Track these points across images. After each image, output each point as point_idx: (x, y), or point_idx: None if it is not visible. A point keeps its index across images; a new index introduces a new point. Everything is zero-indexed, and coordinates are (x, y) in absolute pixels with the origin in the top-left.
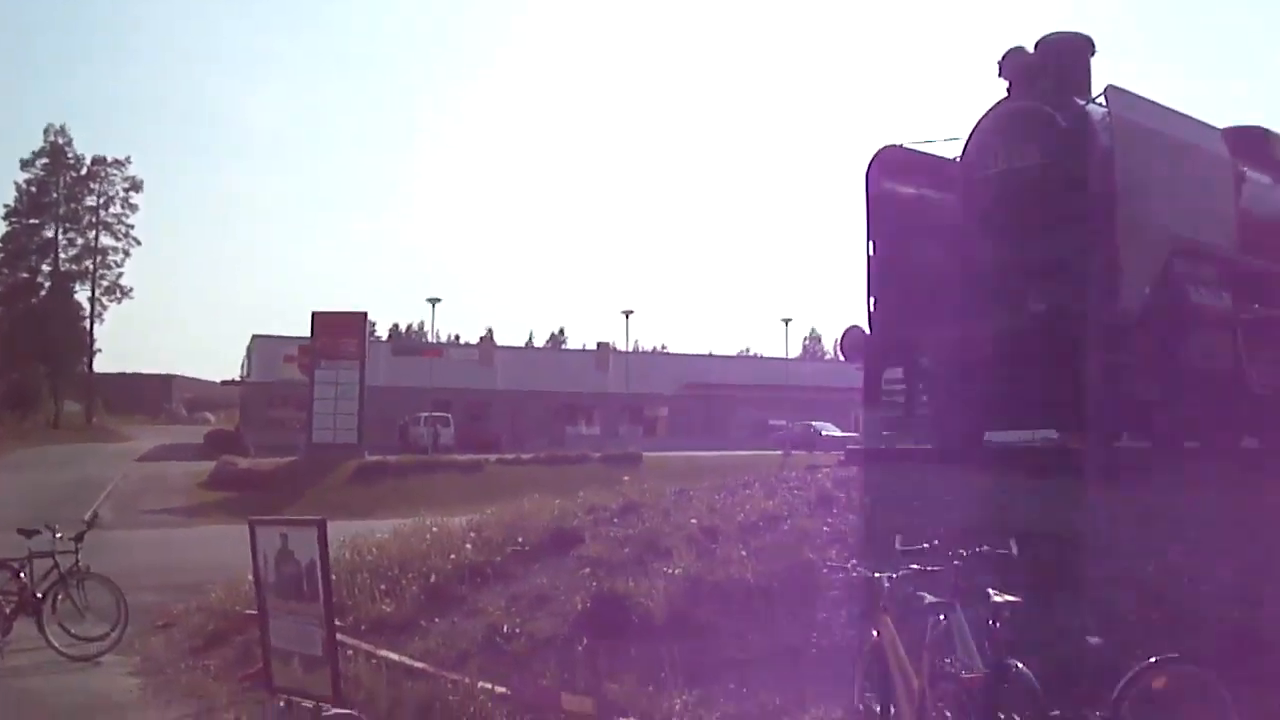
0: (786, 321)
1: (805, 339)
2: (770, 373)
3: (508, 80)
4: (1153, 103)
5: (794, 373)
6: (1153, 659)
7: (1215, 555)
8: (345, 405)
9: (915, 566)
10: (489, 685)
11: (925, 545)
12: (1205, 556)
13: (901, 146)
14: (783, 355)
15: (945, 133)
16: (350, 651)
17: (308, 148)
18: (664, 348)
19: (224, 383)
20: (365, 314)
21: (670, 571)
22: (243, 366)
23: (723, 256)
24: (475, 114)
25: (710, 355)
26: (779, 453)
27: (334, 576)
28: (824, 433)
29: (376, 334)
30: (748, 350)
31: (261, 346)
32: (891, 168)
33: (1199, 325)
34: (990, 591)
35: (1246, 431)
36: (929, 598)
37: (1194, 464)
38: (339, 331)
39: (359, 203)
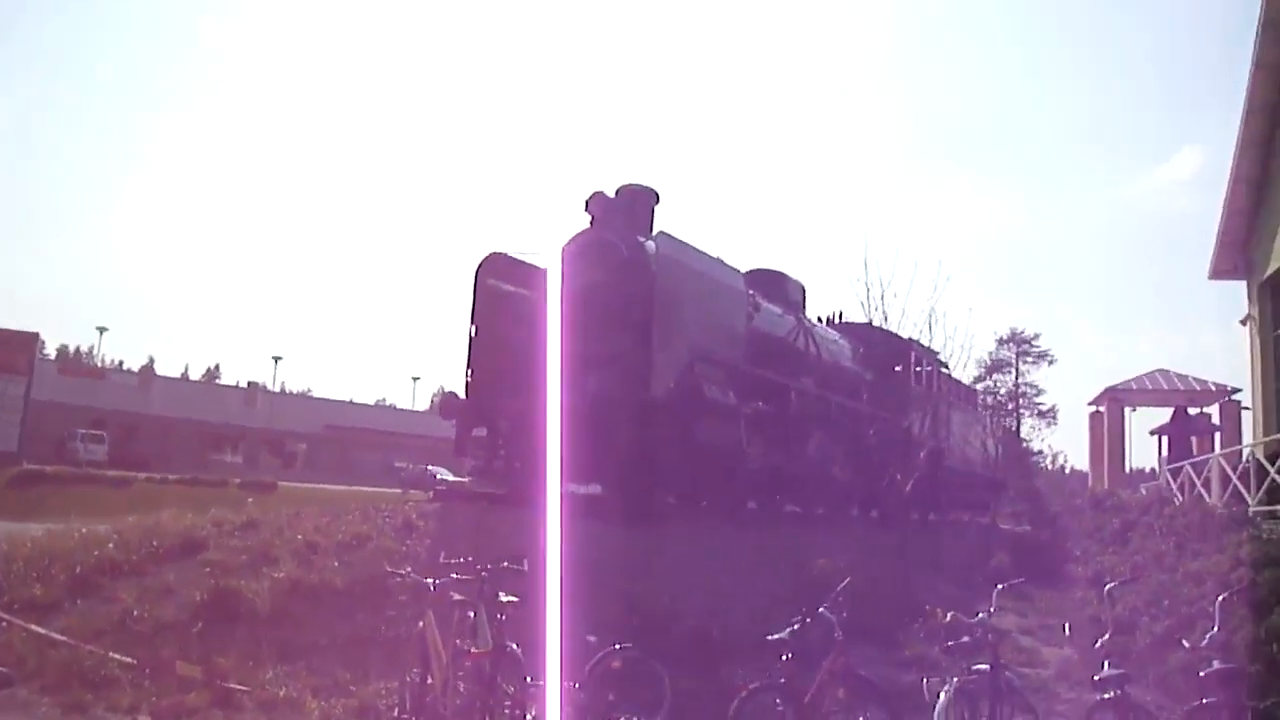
0: (415, 379)
1: (433, 394)
2: (400, 421)
3: (196, 126)
4: (692, 246)
5: (420, 422)
6: (615, 646)
7: (695, 581)
8: (8, 416)
9: (454, 576)
10: (117, 655)
11: (462, 560)
12: (686, 582)
13: (505, 254)
14: (410, 407)
15: (542, 246)
16: (4, 624)
17: (19, 157)
18: (309, 391)
19: None
20: (37, 334)
21: (276, 575)
22: None
23: (367, 316)
24: (164, 153)
25: (350, 402)
26: (399, 490)
27: None
28: (439, 475)
29: (45, 352)
30: (384, 400)
31: None
32: (495, 270)
33: (710, 413)
34: (500, 594)
35: (748, 496)
36: (457, 596)
37: (704, 517)
38: (10, 347)
39: (51, 221)
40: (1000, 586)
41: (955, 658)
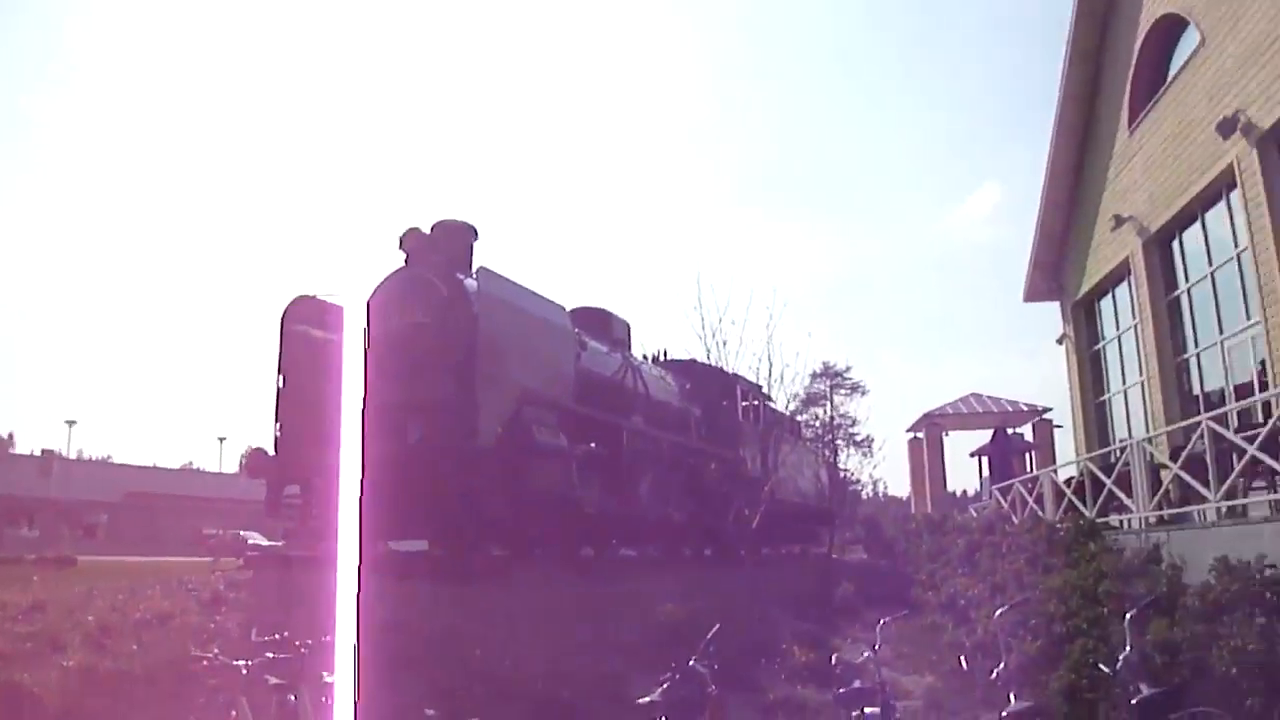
0: (222, 440)
1: (241, 455)
2: (208, 485)
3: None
4: (515, 283)
5: (230, 485)
6: None
7: (537, 639)
8: None
9: (270, 655)
10: None
11: (277, 636)
12: (529, 641)
13: (313, 297)
14: (219, 470)
15: (353, 287)
16: None
17: None
18: (109, 458)
19: None
20: None
21: (65, 664)
22: None
23: (167, 377)
24: None
25: (154, 467)
26: (209, 559)
27: None
28: (251, 541)
29: None
30: (190, 463)
31: None
32: (303, 315)
33: (540, 457)
34: (324, 674)
35: (583, 542)
36: (274, 680)
37: (539, 568)
38: None
39: None
40: (883, 621)
41: (848, 703)
